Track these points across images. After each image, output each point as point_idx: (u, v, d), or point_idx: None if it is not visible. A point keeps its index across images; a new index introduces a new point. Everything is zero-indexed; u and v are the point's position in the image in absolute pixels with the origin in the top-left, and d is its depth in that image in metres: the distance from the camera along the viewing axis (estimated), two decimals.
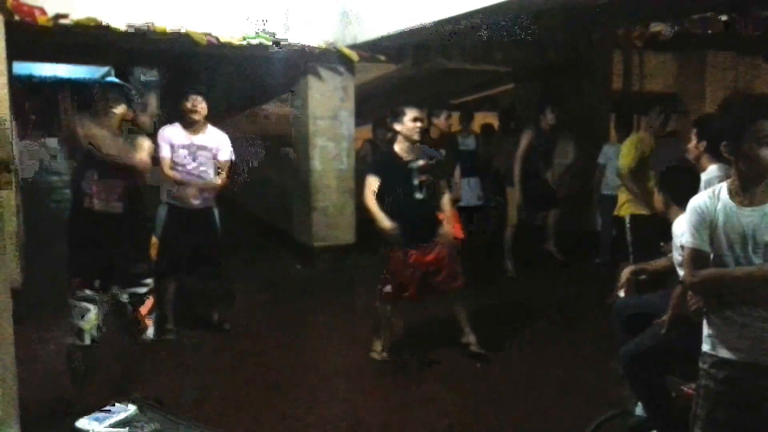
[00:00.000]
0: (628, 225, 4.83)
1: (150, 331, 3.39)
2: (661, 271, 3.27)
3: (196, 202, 4.33)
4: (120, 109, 3.20)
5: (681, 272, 2.88)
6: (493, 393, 3.74)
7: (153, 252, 4.24)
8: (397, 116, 3.96)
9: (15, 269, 4.74)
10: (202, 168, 4.33)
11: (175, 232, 4.30)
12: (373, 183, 3.95)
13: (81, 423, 1.90)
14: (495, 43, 6.46)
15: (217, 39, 5.42)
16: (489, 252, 6.59)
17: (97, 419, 1.91)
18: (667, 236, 3.04)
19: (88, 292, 3.20)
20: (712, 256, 2.17)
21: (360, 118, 6.68)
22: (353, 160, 6.49)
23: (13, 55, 5.00)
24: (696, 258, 2.18)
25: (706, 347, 2.25)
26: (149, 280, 3.34)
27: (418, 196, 3.97)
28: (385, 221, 3.86)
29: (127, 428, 1.86)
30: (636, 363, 2.88)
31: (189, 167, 4.28)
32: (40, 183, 11.09)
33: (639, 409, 3.14)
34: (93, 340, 3.23)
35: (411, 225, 3.94)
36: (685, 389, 2.78)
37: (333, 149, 6.33)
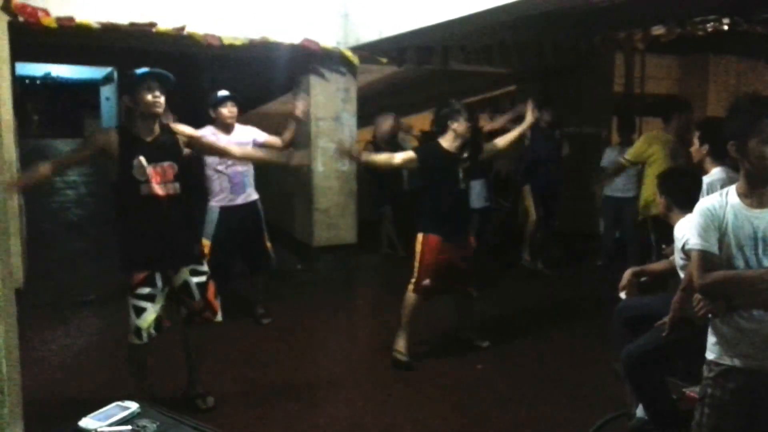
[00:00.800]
0: (651, 225, 4.96)
1: (219, 315, 3.39)
2: (662, 274, 3.28)
3: (243, 196, 4.62)
4: (163, 100, 3.10)
5: (682, 275, 2.89)
6: (494, 394, 3.74)
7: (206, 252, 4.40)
8: (455, 114, 4.10)
9: (18, 268, 4.75)
10: (240, 164, 4.57)
11: (229, 232, 4.56)
12: (406, 154, 4.17)
13: (84, 422, 1.90)
14: (497, 46, 6.47)
15: (220, 39, 5.43)
16: (497, 253, 6.61)
17: (99, 418, 1.91)
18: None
19: (146, 290, 3.14)
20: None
21: (362, 119, 6.70)
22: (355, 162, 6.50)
23: (16, 56, 5.02)
24: (705, 261, 2.15)
25: (711, 356, 2.21)
26: (205, 267, 3.34)
27: (462, 186, 4.16)
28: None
29: (129, 426, 1.87)
30: (637, 365, 2.89)
31: (228, 162, 4.51)
32: (42, 183, 11.11)
33: (640, 411, 3.14)
34: (151, 337, 3.20)
35: (452, 215, 4.10)
36: (687, 391, 2.78)
37: (335, 150, 6.34)
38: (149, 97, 3.05)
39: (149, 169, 3.09)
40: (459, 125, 4.06)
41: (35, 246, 6.13)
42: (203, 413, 3.33)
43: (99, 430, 1.83)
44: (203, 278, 3.31)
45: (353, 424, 3.38)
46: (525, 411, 3.54)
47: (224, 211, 4.59)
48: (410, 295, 4.13)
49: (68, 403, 3.41)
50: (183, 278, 3.25)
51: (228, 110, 4.53)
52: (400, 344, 4.12)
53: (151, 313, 3.15)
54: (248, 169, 4.66)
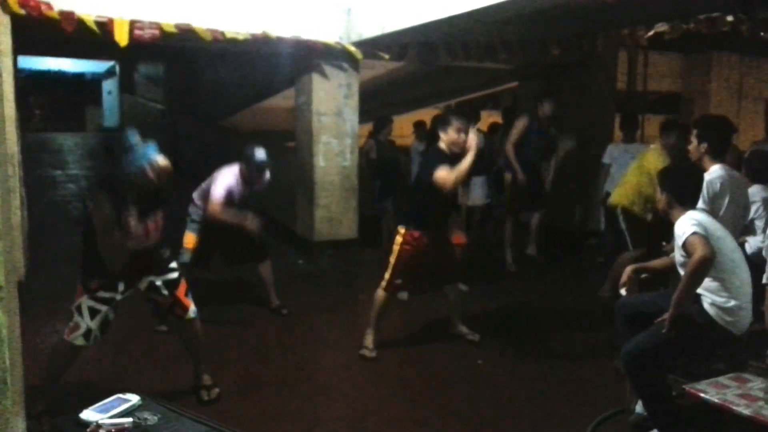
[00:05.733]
0: (620, 215, 4.97)
1: (192, 310, 3.34)
2: (663, 270, 3.28)
3: None
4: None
5: (682, 271, 2.89)
6: (494, 389, 3.75)
7: (190, 245, 4.52)
8: (443, 125, 4.06)
9: (20, 261, 4.76)
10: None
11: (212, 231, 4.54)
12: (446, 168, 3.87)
13: (85, 414, 1.92)
14: (499, 42, 6.46)
15: (223, 34, 5.43)
16: (497, 249, 6.61)
17: (101, 410, 1.92)
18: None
19: (106, 294, 3.09)
20: None
21: (364, 115, 6.69)
22: (357, 157, 6.51)
23: (18, 49, 5.02)
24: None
25: None
26: (175, 264, 3.32)
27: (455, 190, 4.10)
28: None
29: (131, 419, 1.88)
30: (637, 361, 2.89)
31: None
32: (44, 176, 11.15)
33: (639, 407, 3.15)
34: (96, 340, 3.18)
35: (437, 212, 4.08)
36: (687, 388, 2.79)
37: (337, 146, 6.34)
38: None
39: (140, 228, 3.04)
40: (446, 136, 4.00)
41: (37, 239, 6.14)
42: (204, 405, 3.34)
43: (100, 422, 1.85)
44: (172, 276, 3.27)
45: (354, 419, 3.39)
46: (525, 406, 3.55)
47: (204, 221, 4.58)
48: (380, 293, 4.15)
49: (69, 395, 3.42)
50: (148, 280, 3.21)
51: (264, 179, 4.57)
52: (368, 340, 4.16)
53: (103, 315, 3.11)
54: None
